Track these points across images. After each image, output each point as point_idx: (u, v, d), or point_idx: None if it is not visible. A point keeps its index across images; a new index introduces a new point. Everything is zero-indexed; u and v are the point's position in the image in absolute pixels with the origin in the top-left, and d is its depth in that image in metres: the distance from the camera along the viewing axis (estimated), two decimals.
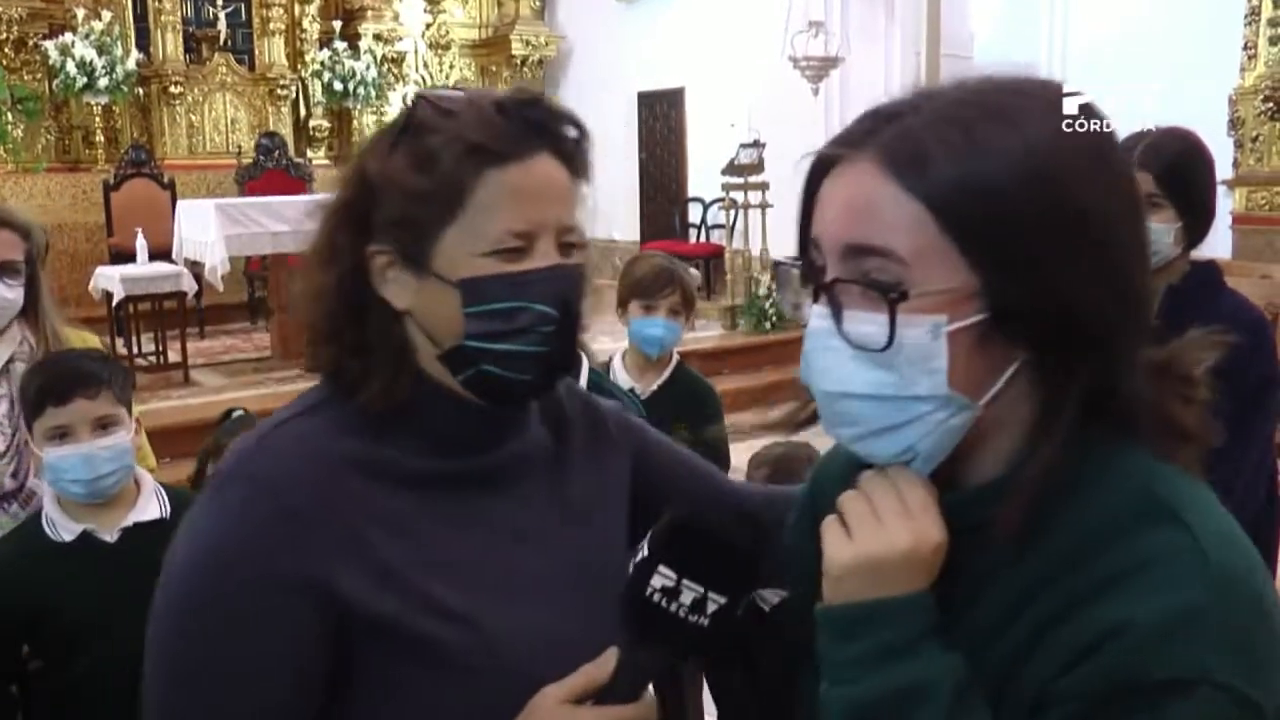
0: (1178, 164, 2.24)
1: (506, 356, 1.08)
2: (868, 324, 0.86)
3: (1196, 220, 2.26)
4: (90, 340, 2.57)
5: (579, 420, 1.28)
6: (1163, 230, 2.22)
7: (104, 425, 2.05)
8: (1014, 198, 0.83)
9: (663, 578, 0.97)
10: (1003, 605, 0.88)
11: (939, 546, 0.88)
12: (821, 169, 0.93)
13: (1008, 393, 0.88)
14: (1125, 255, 0.88)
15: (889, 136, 0.87)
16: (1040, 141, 0.85)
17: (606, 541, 1.22)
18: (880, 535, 0.87)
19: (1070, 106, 0.88)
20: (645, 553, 0.99)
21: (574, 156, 1.13)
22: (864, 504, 0.89)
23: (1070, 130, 0.87)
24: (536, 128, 1.09)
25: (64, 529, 2.05)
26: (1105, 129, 0.89)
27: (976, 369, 0.86)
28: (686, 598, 0.96)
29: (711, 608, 0.96)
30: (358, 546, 1.04)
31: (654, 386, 2.94)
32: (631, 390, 2.72)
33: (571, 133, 1.13)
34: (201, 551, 1.04)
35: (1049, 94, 0.89)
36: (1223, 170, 8.05)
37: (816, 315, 0.90)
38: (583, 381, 2.05)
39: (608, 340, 2.56)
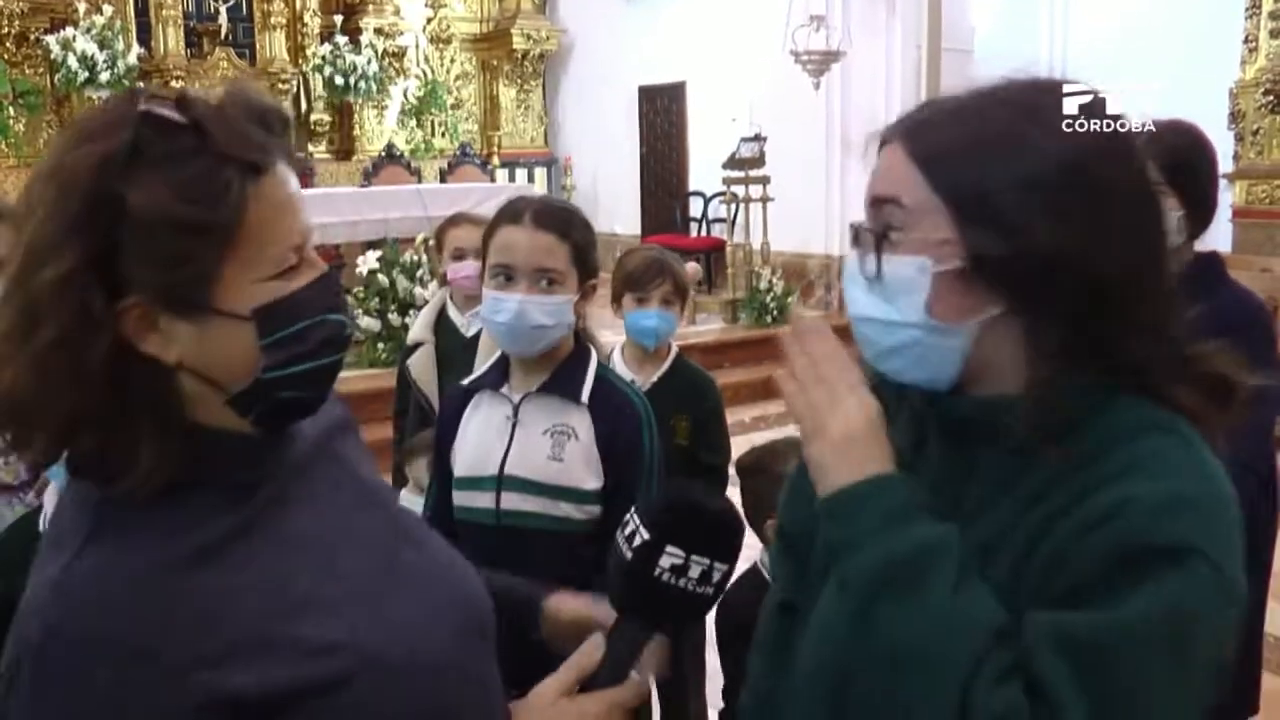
0: (1181, 155, 2.27)
1: (306, 377, 1.00)
2: (871, 260, 1.07)
3: (1199, 211, 2.29)
4: None
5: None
6: (1167, 219, 2.24)
7: None
8: (991, 166, 1.02)
9: (671, 557, 1.02)
10: (1015, 507, 1.02)
11: (873, 418, 1.03)
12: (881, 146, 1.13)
13: (997, 340, 1.05)
14: (1097, 231, 1.01)
15: (917, 118, 1.09)
16: (1028, 132, 1.03)
17: (396, 512, 1.18)
18: (832, 423, 1.02)
19: (1070, 105, 1.05)
20: (646, 536, 1.03)
21: (291, 153, 1.03)
22: (803, 402, 1.05)
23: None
24: (270, 130, 1.00)
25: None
26: (1107, 128, 1.05)
27: (959, 306, 1.04)
28: (695, 571, 1.03)
29: (716, 576, 1.04)
30: (222, 638, 0.92)
31: (653, 379, 2.95)
32: (631, 383, 2.72)
33: (282, 125, 1.03)
34: None
35: (1049, 96, 1.06)
36: (1223, 164, 8.04)
37: (850, 257, 1.12)
38: (590, 375, 2.06)
39: (608, 334, 2.57)
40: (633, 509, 1.07)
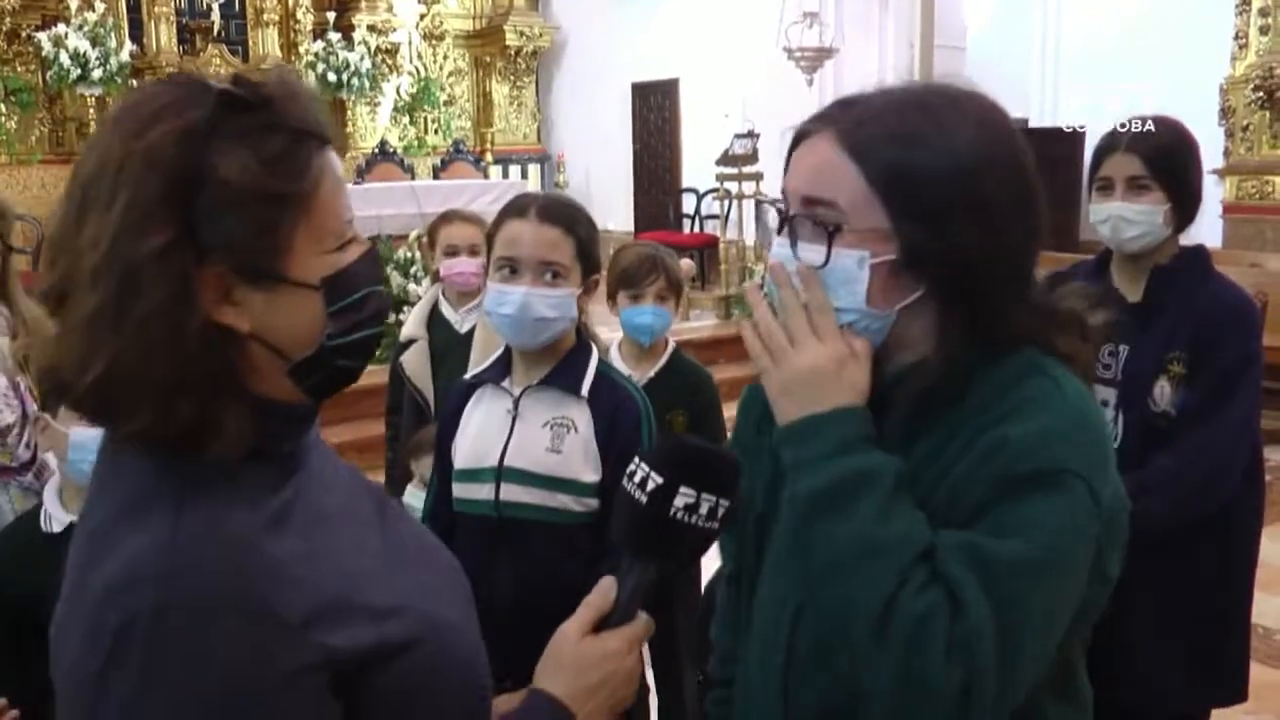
0: (1165, 149, 2.33)
1: (357, 346, 1.05)
2: (813, 251, 1.17)
3: (1184, 203, 2.33)
4: None
5: None
6: (1153, 211, 2.31)
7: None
8: (926, 174, 1.13)
9: (684, 496, 1.10)
10: (922, 458, 1.16)
11: (848, 359, 1.16)
12: (797, 140, 1.23)
13: (913, 316, 1.18)
14: (1004, 224, 1.15)
15: (846, 119, 1.18)
16: (952, 138, 1.14)
17: (370, 488, 1.23)
18: (795, 358, 1.16)
19: (974, 110, 1.18)
20: (659, 480, 1.10)
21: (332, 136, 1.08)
22: (780, 334, 1.17)
23: (979, 132, 1.16)
24: (324, 114, 1.06)
25: (56, 520, 2.07)
26: (1007, 129, 1.19)
27: (889, 292, 1.16)
28: (704, 508, 1.10)
29: (721, 511, 1.11)
30: (319, 600, 0.96)
31: (650, 374, 2.96)
32: (629, 378, 2.74)
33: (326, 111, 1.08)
34: (200, 695, 0.90)
35: (970, 101, 1.19)
36: (1214, 159, 8.14)
37: (777, 243, 1.22)
38: (591, 369, 2.08)
39: (604, 331, 2.58)
40: (636, 459, 1.14)
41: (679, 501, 1.10)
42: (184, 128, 0.93)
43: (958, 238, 1.13)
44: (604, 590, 1.15)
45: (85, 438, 2.03)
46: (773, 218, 1.27)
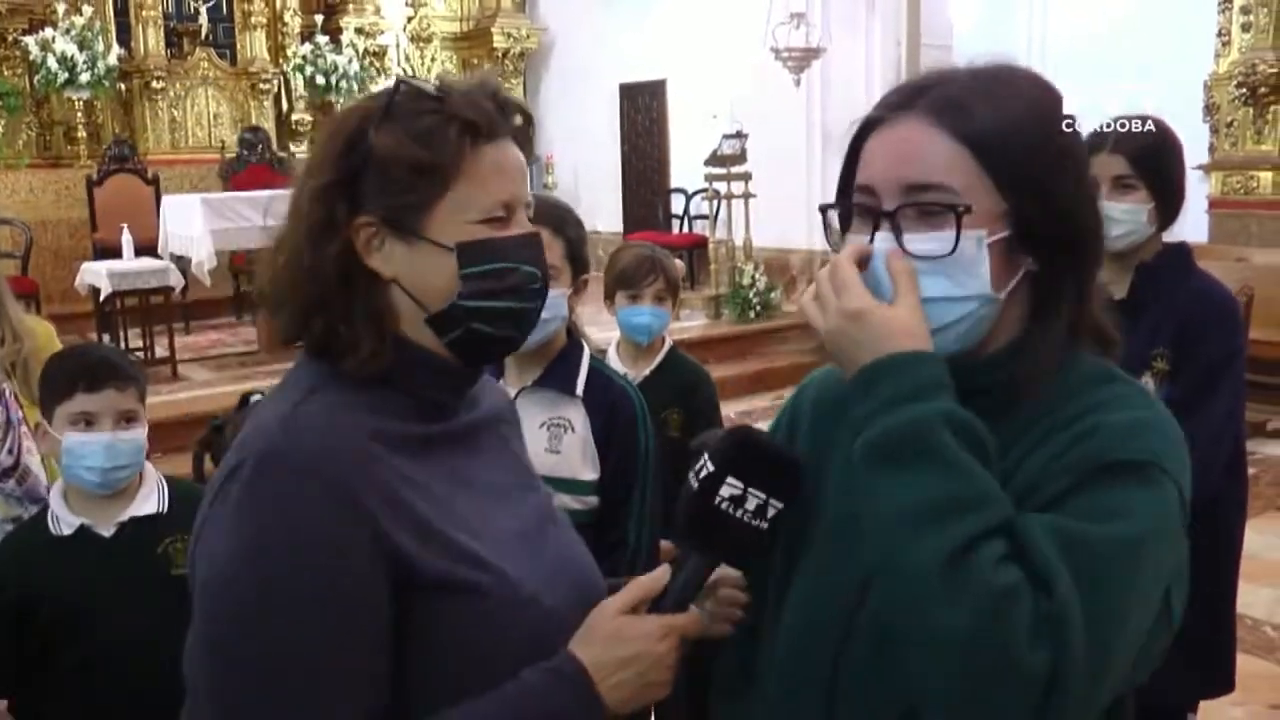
0: (1149, 148, 2.37)
1: (496, 314, 1.19)
2: (929, 240, 1.08)
3: (1168, 201, 2.37)
4: (50, 330, 2.62)
5: (497, 394, 1.43)
6: (1138, 210, 2.35)
7: (127, 419, 2.11)
8: (1030, 140, 1.09)
9: (731, 488, 1.10)
10: (998, 445, 1.06)
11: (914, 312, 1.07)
12: (864, 131, 1.16)
13: (1011, 298, 1.12)
14: (1091, 191, 1.16)
15: (933, 98, 1.11)
16: (1038, 102, 1.13)
17: (546, 498, 1.37)
18: (834, 306, 1.07)
19: (1043, 81, 1.17)
20: (711, 468, 1.11)
21: (526, 142, 1.26)
22: (825, 284, 1.09)
23: (1051, 95, 1.15)
24: (506, 113, 1.22)
25: (64, 523, 2.09)
26: (1061, 98, 1.16)
27: (1001, 273, 1.10)
28: (751, 504, 1.10)
29: (771, 512, 1.11)
30: (400, 510, 1.09)
31: (645, 373, 2.98)
32: (625, 377, 2.76)
33: (522, 120, 1.25)
34: (261, 542, 1.05)
35: (1030, 72, 1.17)
36: (1199, 155, 8.19)
37: (880, 239, 1.10)
38: (584, 368, 2.11)
39: (594, 330, 2.60)
40: (705, 450, 1.15)
41: (725, 492, 1.10)
42: (367, 109, 1.19)
43: (1064, 205, 1.10)
44: (657, 574, 1.17)
45: (76, 443, 2.06)
46: (834, 219, 1.20)
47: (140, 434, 2.12)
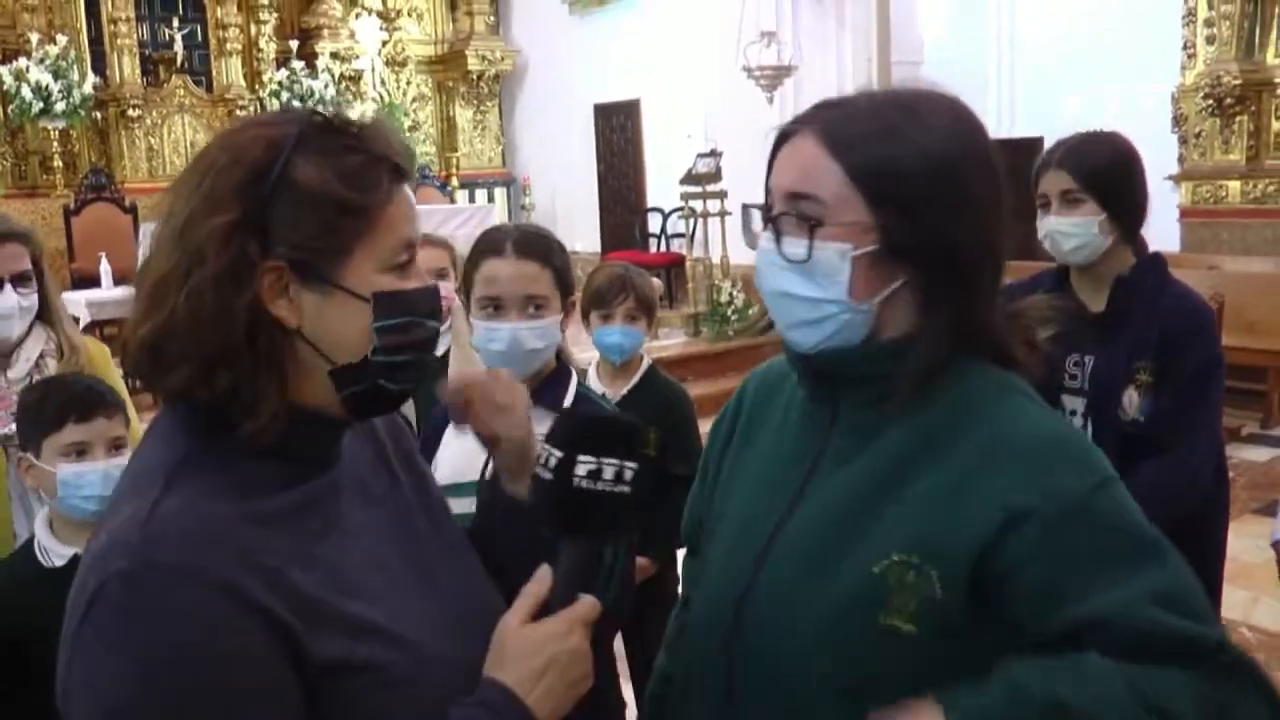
0: (1095, 162, 2.43)
1: (401, 368, 1.13)
2: (796, 246, 1.22)
3: (1125, 212, 2.41)
4: (105, 351, 2.66)
5: (380, 421, 1.32)
6: (1088, 222, 2.41)
7: (117, 446, 2.12)
8: (905, 166, 1.18)
9: (584, 465, 1.11)
10: (891, 454, 1.21)
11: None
12: (780, 140, 1.27)
13: (894, 302, 1.22)
14: (981, 218, 1.21)
15: (827, 119, 1.23)
16: (928, 124, 1.20)
17: (447, 521, 1.32)
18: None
19: (962, 113, 1.24)
20: (559, 455, 1.12)
21: (414, 181, 1.23)
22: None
23: (955, 127, 1.22)
24: (408, 154, 1.17)
25: (55, 554, 2.07)
26: (980, 129, 1.25)
27: (871, 282, 1.21)
28: (609, 473, 1.12)
29: (628, 474, 1.12)
30: (287, 594, 1.01)
31: (623, 392, 3.01)
32: (603, 396, 2.79)
33: (411, 161, 1.20)
34: (149, 664, 0.96)
35: (945, 101, 1.24)
36: (1169, 166, 8.30)
37: (763, 239, 1.27)
38: (571, 389, 2.14)
39: (575, 351, 2.63)
40: (540, 443, 1.17)
41: (580, 470, 1.11)
42: (273, 136, 1.08)
43: (937, 227, 1.18)
44: (541, 578, 1.15)
45: (71, 474, 2.06)
46: (756, 221, 1.32)
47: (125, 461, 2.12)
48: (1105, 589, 1.09)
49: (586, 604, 1.14)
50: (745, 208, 1.31)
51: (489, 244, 2.10)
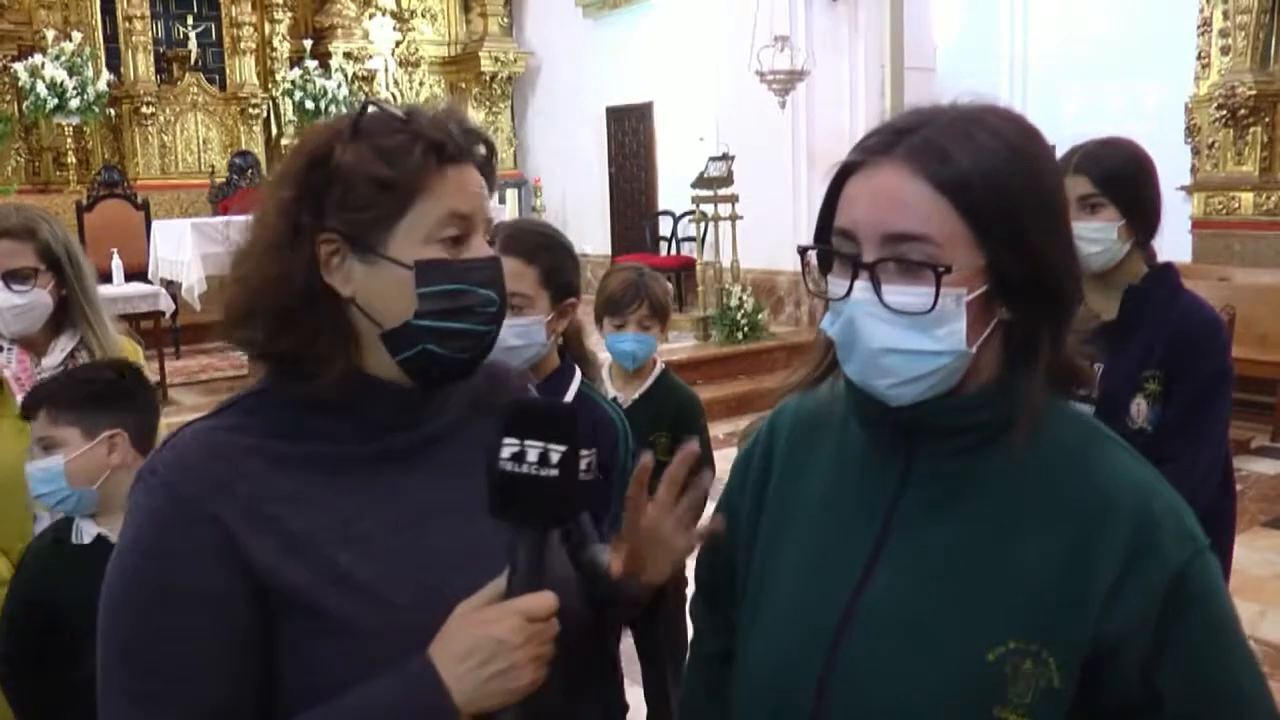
0: (1113, 166, 2.41)
1: (450, 335, 1.19)
2: (908, 294, 1.07)
3: (1141, 218, 2.41)
4: (136, 348, 2.70)
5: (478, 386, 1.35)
6: (1108, 227, 2.38)
7: (45, 447, 2.12)
8: (1011, 190, 1.07)
9: (509, 447, 1.10)
10: (986, 515, 1.11)
11: None
12: (844, 173, 1.13)
13: (987, 345, 1.11)
14: (1070, 236, 1.13)
15: (913, 143, 1.08)
16: (1020, 149, 1.09)
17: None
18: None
19: (1029, 127, 1.13)
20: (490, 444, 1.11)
21: (489, 172, 1.27)
22: None
23: (1035, 140, 1.12)
24: (470, 140, 1.23)
25: (85, 532, 2.12)
26: (1047, 142, 1.14)
27: (976, 325, 1.09)
28: (533, 455, 1.10)
29: (555, 457, 1.10)
30: (261, 523, 1.13)
31: (635, 396, 3.02)
32: (614, 400, 2.80)
33: (485, 151, 1.27)
34: (122, 546, 1.15)
35: (1010, 113, 1.13)
36: (1181, 177, 8.28)
37: (859, 289, 1.09)
38: (572, 391, 2.14)
39: (600, 351, 2.63)
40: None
41: (505, 453, 1.09)
42: (335, 128, 1.21)
43: (1043, 260, 1.08)
44: (501, 577, 1.13)
45: (34, 469, 2.10)
46: (814, 259, 1.19)
47: (54, 462, 2.10)
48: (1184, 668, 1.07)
49: (534, 597, 1.10)
50: (803, 250, 1.17)
51: None
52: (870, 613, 1.13)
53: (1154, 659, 1.05)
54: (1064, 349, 1.14)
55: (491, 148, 1.28)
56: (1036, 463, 1.11)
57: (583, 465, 1.13)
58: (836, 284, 1.12)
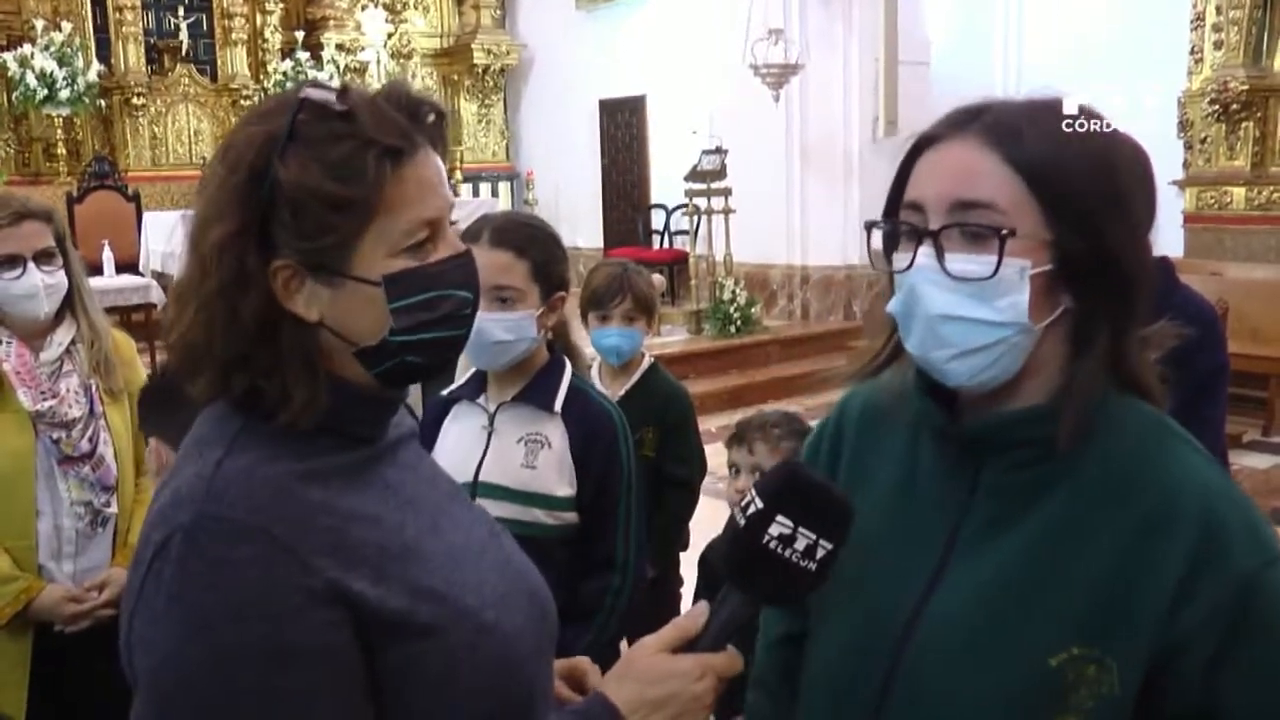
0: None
1: (429, 345, 1.10)
2: (971, 262, 1.07)
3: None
4: (130, 342, 2.68)
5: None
6: None
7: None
8: (1083, 174, 1.07)
9: (780, 526, 1.05)
10: (1051, 523, 1.10)
11: None
12: (917, 149, 1.15)
13: (1051, 335, 1.10)
14: (1144, 236, 1.12)
15: (988, 120, 1.10)
16: (1091, 135, 1.09)
17: (478, 507, 1.32)
18: None
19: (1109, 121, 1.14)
20: (759, 505, 1.07)
21: (440, 139, 1.14)
22: None
23: (1113, 134, 1.13)
24: (418, 120, 1.10)
25: None
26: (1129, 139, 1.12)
27: (1040, 307, 1.08)
28: (800, 544, 1.05)
29: (820, 554, 1.06)
30: (350, 553, 1.03)
31: (623, 391, 3.01)
32: (606, 396, 2.77)
33: (434, 117, 1.13)
34: (204, 619, 0.97)
35: (1095, 109, 1.13)
36: (1174, 171, 8.27)
37: (922, 256, 1.09)
38: (564, 385, 2.12)
39: (588, 345, 2.61)
40: (752, 484, 1.12)
41: (774, 530, 1.05)
42: (266, 132, 1.04)
43: (1111, 246, 1.07)
44: (695, 613, 1.12)
45: None
46: (877, 238, 1.19)
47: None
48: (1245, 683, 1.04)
49: (729, 656, 1.10)
50: (869, 225, 1.16)
51: (471, 231, 2.06)
52: (936, 617, 1.13)
53: (1216, 669, 1.03)
54: (1128, 350, 1.12)
55: (441, 113, 1.14)
56: (1104, 465, 1.10)
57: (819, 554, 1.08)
58: (901, 259, 1.13)
